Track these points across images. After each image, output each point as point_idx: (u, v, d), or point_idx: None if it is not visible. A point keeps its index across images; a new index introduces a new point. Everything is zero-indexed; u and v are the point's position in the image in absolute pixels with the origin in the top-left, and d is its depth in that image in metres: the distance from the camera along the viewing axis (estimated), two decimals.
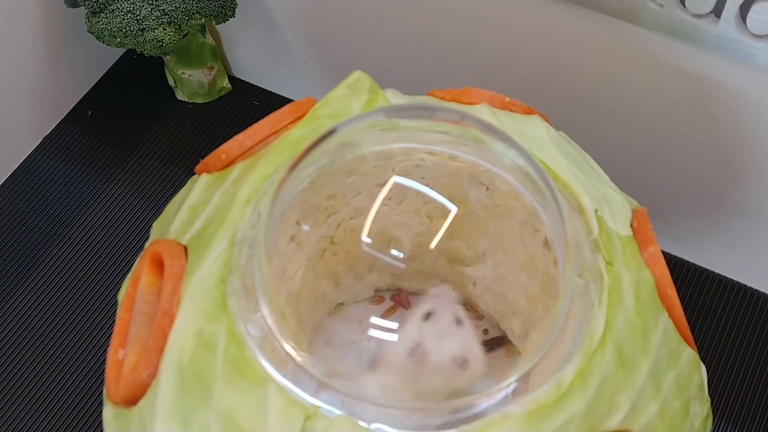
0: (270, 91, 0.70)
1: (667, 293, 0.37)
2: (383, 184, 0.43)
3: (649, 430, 0.34)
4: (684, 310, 0.57)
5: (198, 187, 0.40)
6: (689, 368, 0.36)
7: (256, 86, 0.70)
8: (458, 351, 0.39)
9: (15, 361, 0.56)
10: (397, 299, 0.49)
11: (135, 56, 0.71)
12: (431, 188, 0.43)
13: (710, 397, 0.52)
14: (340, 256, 0.45)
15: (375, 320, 0.41)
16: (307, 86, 0.68)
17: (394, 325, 0.38)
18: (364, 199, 0.43)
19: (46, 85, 0.66)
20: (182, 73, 0.67)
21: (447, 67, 0.57)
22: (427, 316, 0.40)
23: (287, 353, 0.34)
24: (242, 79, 0.71)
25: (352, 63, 0.63)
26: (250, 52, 0.69)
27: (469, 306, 0.48)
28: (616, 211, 0.39)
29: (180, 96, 0.69)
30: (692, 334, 0.56)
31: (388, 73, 0.61)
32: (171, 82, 0.69)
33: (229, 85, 0.70)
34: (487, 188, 0.42)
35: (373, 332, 0.39)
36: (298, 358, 0.34)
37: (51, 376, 0.55)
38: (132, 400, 0.35)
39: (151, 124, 0.68)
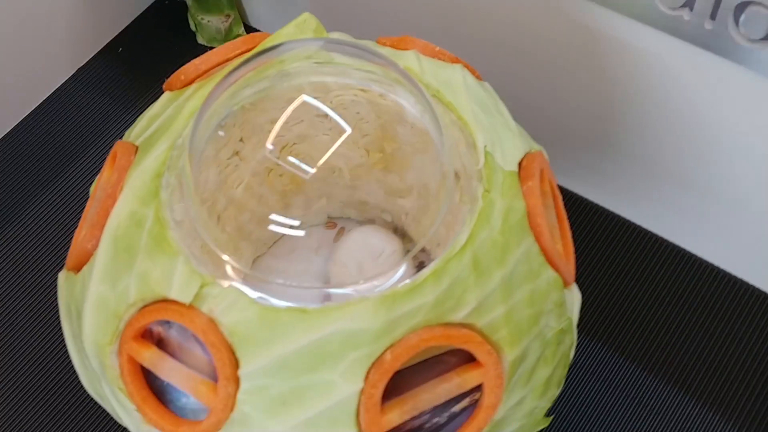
0: None
1: (536, 221, 0.42)
2: (324, 115, 0.49)
3: (492, 327, 0.39)
4: (585, 248, 0.63)
5: (160, 101, 0.47)
6: (548, 286, 0.42)
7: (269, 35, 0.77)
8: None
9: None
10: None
11: (166, 2, 0.79)
12: (367, 122, 0.50)
13: (610, 333, 0.58)
14: (286, 177, 0.52)
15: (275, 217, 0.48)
16: None
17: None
18: (305, 127, 0.50)
19: (84, 20, 0.74)
20: (202, 18, 0.75)
21: (428, 23, 0.63)
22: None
23: (197, 232, 0.41)
24: (256, 28, 0.78)
25: (359, 11, 0.69)
26: (265, 3, 0.76)
27: (404, 235, 0.54)
28: (508, 150, 0.44)
29: (200, 40, 0.77)
30: (599, 274, 0.61)
31: (375, 18, 0.67)
32: (192, 27, 0.77)
33: (244, 33, 0.77)
34: (411, 126, 0.48)
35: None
36: (206, 238, 0.41)
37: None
38: (79, 267, 0.43)
39: (172, 63, 0.76)
